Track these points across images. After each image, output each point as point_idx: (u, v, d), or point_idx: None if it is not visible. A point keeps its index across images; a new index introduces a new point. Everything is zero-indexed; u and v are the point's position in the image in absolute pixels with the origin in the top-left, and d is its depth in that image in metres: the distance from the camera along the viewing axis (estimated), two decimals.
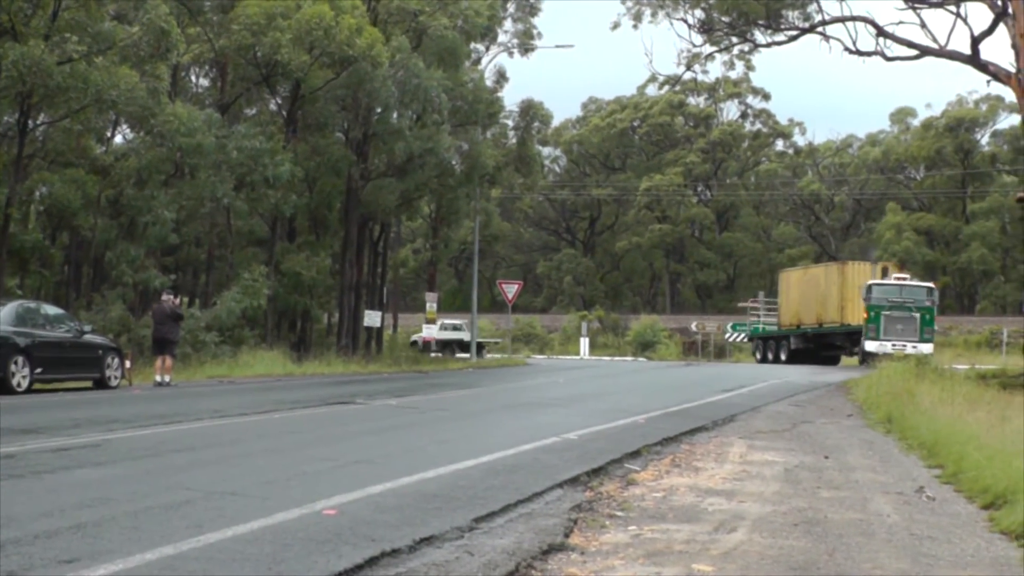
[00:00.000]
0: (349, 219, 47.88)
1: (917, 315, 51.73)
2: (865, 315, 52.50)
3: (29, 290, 37.37)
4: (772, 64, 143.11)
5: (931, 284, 55.04)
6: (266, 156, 40.10)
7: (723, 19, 43.07)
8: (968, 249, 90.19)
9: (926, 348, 50.06)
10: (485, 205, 65.10)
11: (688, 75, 52.30)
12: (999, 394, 25.51)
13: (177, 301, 31.51)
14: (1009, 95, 54.06)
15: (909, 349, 49.00)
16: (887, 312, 51.84)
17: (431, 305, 55.92)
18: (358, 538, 8.98)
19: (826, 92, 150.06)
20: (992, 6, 35.98)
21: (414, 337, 62.48)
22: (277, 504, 10.27)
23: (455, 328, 67.16)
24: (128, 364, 29.78)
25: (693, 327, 75.00)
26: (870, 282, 54.16)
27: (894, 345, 50.64)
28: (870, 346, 51.91)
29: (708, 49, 45.46)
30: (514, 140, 60.73)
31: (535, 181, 68.18)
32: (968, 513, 11.38)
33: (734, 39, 44.48)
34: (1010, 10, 34.65)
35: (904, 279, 54.02)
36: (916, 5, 38.51)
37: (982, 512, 11.35)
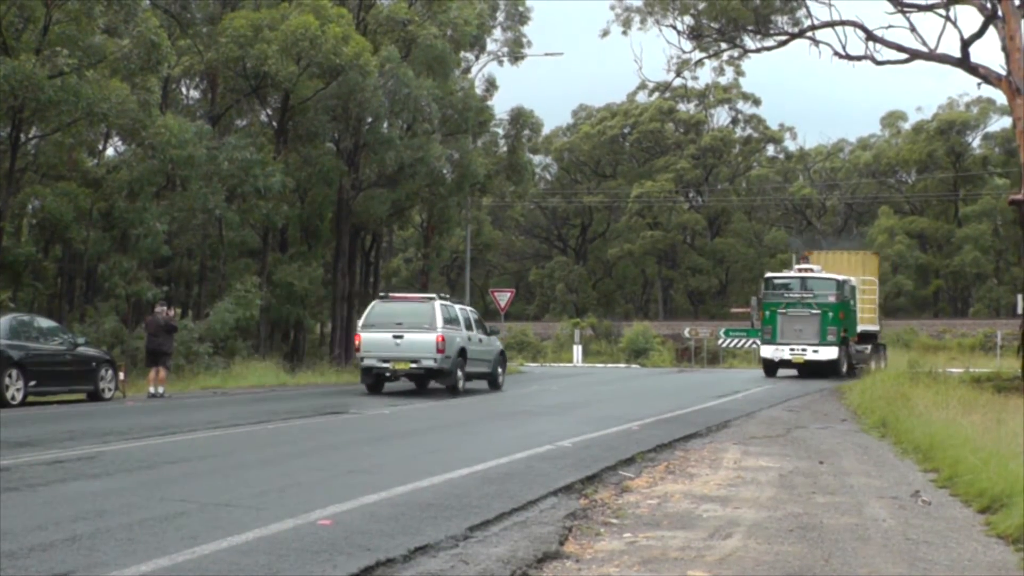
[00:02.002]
0: (341, 229, 47.87)
1: (818, 313, 44.02)
2: (760, 314, 46.14)
3: (22, 303, 37.35)
4: (762, 69, 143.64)
5: (841, 276, 45.75)
6: (257, 167, 40.10)
7: (712, 25, 43.08)
8: (961, 252, 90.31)
9: (829, 352, 43.79)
10: (476, 214, 65.14)
11: (678, 81, 52.16)
12: (994, 397, 25.52)
13: (171, 313, 31.48)
14: (1000, 97, 54.18)
15: (809, 354, 43.99)
16: (784, 311, 44.66)
17: None
18: (353, 548, 8.99)
19: (816, 97, 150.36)
20: (982, 9, 36.04)
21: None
22: (272, 515, 10.27)
23: None
24: (122, 376, 29.74)
25: (686, 333, 74.93)
26: (767, 274, 48.95)
27: (792, 350, 44.42)
28: (765, 351, 45.71)
29: (698, 55, 45.50)
30: (505, 148, 60.68)
31: (526, 189, 68.02)
32: (964, 517, 11.37)
33: (723, 45, 44.47)
34: (1000, 13, 34.70)
35: (809, 270, 45.86)
36: (905, 9, 38.57)
37: (978, 516, 11.35)
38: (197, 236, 43.82)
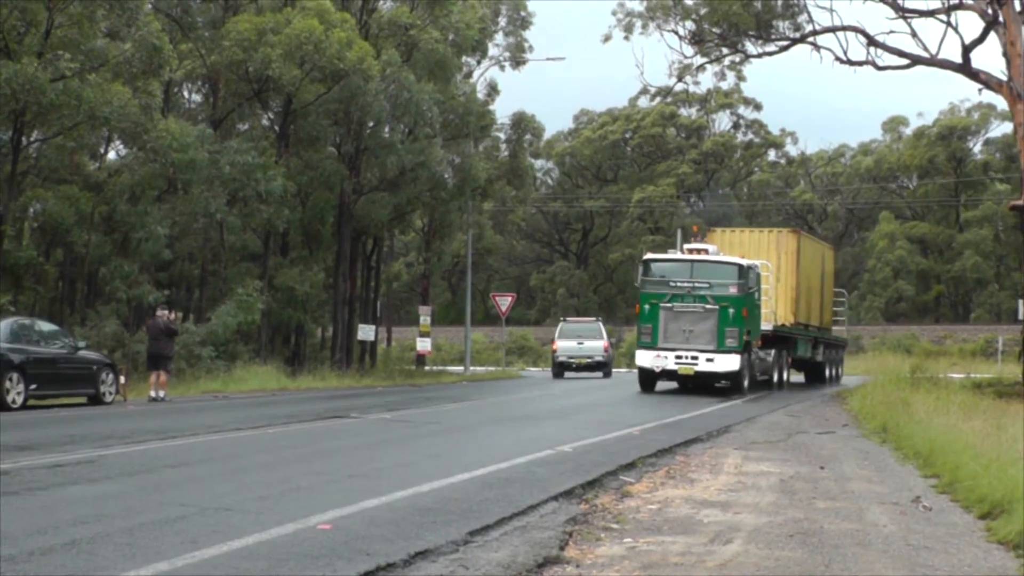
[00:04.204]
0: (342, 233, 47.86)
1: (715, 309, 33.76)
2: (637, 309, 36.02)
3: (23, 307, 37.31)
4: (763, 74, 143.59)
5: (745, 261, 35.22)
6: (259, 171, 40.11)
7: (714, 30, 43.03)
8: (962, 257, 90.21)
9: (728, 362, 33.80)
10: (478, 218, 65.13)
11: (679, 86, 51.99)
12: (995, 403, 25.51)
13: (172, 316, 31.48)
14: (1001, 103, 54.18)
15: (702, 363, 33.84)
16: (668, 305, 34.18)
17: (425, 318, 55.89)
18: (353, 552, 8.99)
19: (818, 102, 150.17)
20: (983, 15, 36.03)
21: None
22: (272, 519, 10.27)
23: None
24: (123, 380, 29.74)
25: None
26: (646, 256, 38.35)
27: (679, 358, 33.99)
28: (643, 358, 35.08)
29: (699, 60, 45.35)
30: (506, 153, 60.83)
31: (527, 194, 68.18)
32: (965, 523, 11.37)
33: (725, 50, 44.41)
34: (1001, 18, 34.70)
35: (703, 251, 35.39)
36: (907, 14, 38.52)
37: (979, 522, 11.34)
38: (198, 240, 43.86)
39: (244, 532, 9.62)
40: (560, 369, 51.19)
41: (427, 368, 57.06)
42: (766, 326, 36.78)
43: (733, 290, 33.84)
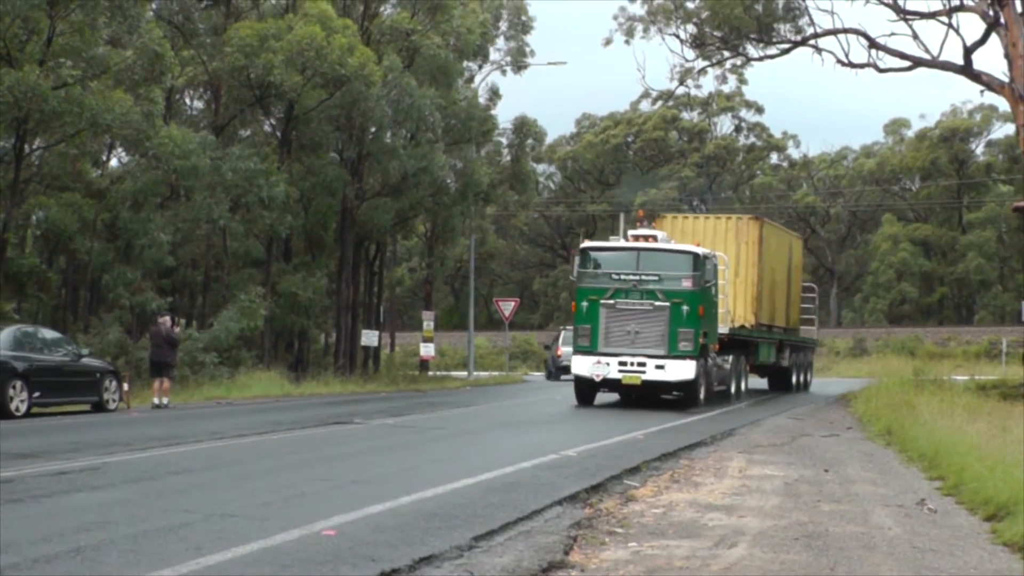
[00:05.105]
0: (345, 239, 47.84)
1: (666, 307, 28.68)
2: (573, 307, 30.64)
3: (27, 314, 37.38)
4: (765, 78, 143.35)
5: (701, 250, 29.92)
6: (261, 177, 40.08)
7: (715, 34, 43.03)
8: (965, 259, 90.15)
9: (681, 369, 28.70)
10: (480, 223, 65.18)
11: (681, 90, 51.76)
12: (999, 404, 25.49)
13: (176, 329, 31.43)
14: (1003, 104, 54.11)
15: (650, 371, 28.70)
16: (610, 301, 29.08)
17: (428, 324, 55.85)
18: (357, 558, 8.98)
19: (820, 104, 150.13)
20: (984, 16, 36.04)
21: None
22: (276, 525, 10.27)
23: None
24: (126, 387, 29.71)
25: None
26: (584, 244, 32.76)
27: (622, 364, 28.87)
28: (580, 365, 29.62)
29: (701, 64, 45.33)
30: (508, 157, 60.72)
31: (530, 198, 68.07)
32: (970, 525, 11.36)
33: (726, 53, 44.37)
34: (1002, 20, 34.70)
35: (651, 239, 30.12)
36: (908, 16, 38.54)
37: (984, 524, 11.33)
38: (201, 246, 43.84)
39: (248, 538, 9.62)
40: (559, 373, 50.57)
41: (430, 373, 56.95)
42: (722, 328, 31.96)
43: (687, 284, 28.94)
